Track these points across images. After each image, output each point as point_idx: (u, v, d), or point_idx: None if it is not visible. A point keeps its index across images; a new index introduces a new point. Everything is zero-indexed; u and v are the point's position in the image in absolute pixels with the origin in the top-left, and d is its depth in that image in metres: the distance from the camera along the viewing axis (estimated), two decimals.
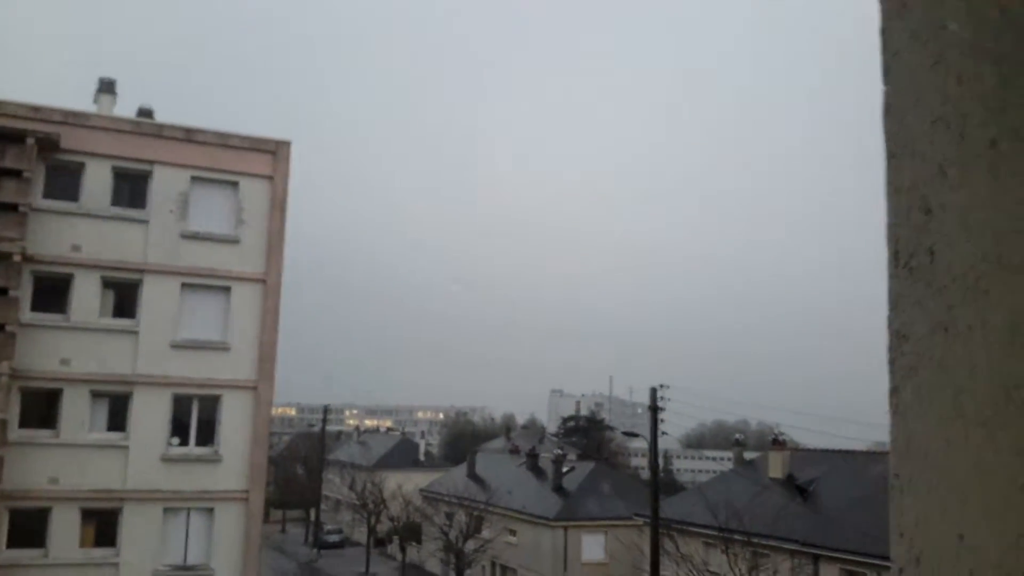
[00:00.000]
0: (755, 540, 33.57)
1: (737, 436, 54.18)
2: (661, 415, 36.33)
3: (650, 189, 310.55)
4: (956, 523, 1.21)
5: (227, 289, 27.86)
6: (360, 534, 75.13)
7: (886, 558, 1.33)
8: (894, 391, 1.37)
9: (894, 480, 1.34)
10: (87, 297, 26.37)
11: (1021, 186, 1.16)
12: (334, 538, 78.55)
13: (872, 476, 34.93)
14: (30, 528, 25.10)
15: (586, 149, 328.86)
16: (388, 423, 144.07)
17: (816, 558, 34.76)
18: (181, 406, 27.12)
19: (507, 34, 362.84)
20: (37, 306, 26.02)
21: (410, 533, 64.40)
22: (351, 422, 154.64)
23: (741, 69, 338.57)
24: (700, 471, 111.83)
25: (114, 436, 26.35)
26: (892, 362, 1.38)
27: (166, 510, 26.47)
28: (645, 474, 66.80)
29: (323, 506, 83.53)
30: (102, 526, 26.00)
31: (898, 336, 1.36)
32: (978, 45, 1.25)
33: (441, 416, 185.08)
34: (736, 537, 33.53)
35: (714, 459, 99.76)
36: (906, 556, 1.29)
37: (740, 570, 32.88)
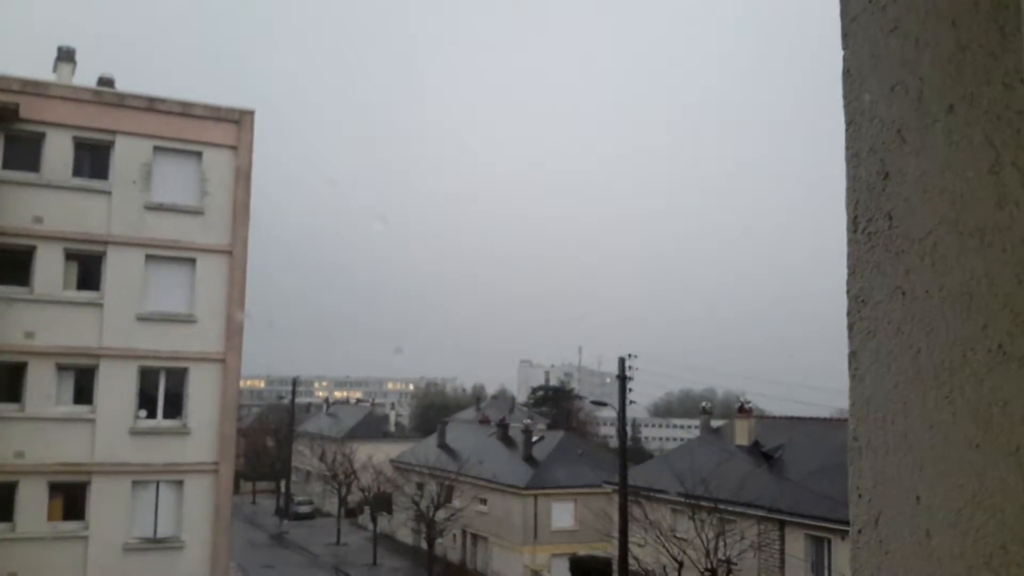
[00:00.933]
0: (721, 506, 34.03)
1: (704, 404, 54.63)
2: (629, 384, 36.60)
3: (615, 159, 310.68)
4: (913, 484, 1.22)
5: (192, 261, 27.60)
6: (331, 505, 75.33)
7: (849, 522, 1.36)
8: (853, 355, 1.38)
9: (853, 442, 1.35)
10: (50, 269, 26.02)
11: (977, 151, 1.17)
12: (304, 509, 78.76)
13: (836, 442, 35.45)
14: None
15: (552, 116, 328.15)
16: (358, 394, 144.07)
17: (782, 524, 35.34)
18: (148, 379, 26.93)
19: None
20: None
21: (381, 503, 64.61)
22: (321, 394, 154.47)
23: (711, 35, 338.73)
24: (668, 439, 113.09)
25: (81, 409, 26.13)
26: (851, 326, 1.38)
27: (135, 483, 26.35)
28: (614, 443, 67.35)
29: (293, 478, 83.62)
30: (70, 500, 25.84)
31: (857, 300, 1.37)
32: (935, 9, 1.25)
33: (411, 387, 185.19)
34: (703, 504, 33.97)
35: (681, 427, 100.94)
36: (865, 517, 1.31)
37: (707, 536, 33.34)
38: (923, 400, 1.22)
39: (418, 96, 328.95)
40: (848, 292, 1.40)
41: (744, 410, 44.03)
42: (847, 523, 1.37)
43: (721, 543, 33.51)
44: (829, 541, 32.99)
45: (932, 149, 1.24)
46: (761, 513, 35.48)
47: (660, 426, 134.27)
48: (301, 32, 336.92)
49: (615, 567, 38.46)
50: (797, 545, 34.65)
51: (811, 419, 42.77)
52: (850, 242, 1.40)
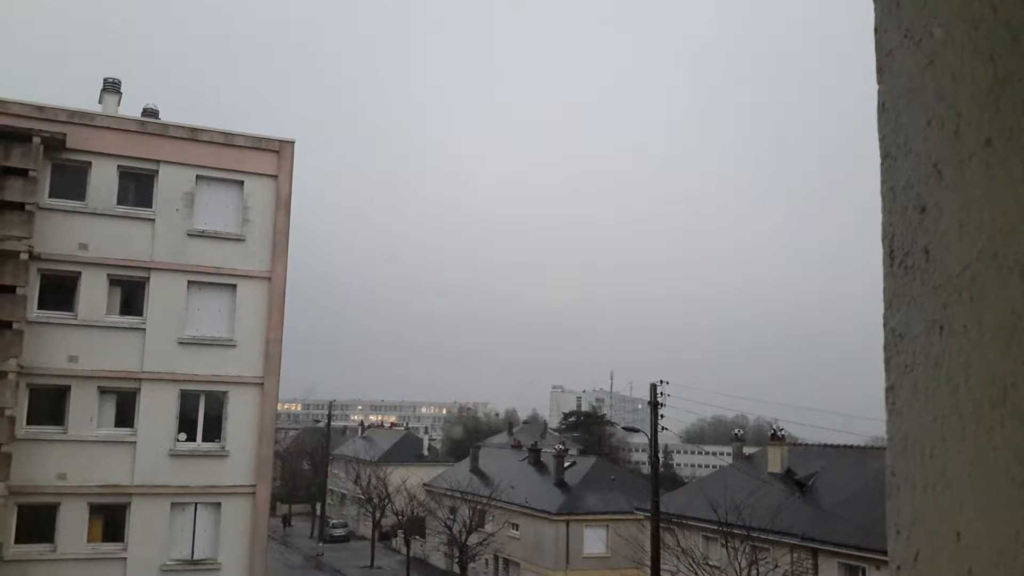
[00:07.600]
0: (755, 534, 33.83)
1: (736, 431, 54.38)
2: (661, 410, 36.55)
3: (644, 186, 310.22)
4: (953, 521, 1.20)
5: (233, 287, 28.13)
6: (365, 528, 75.61)
7: (885, 552, 1.44)
8: (891, 389, 1.36)
9: (891, 478, 1.34)
10: (94, 295, 26.62)
11: (1016, 185, 1.16)
12: (339, 532, 79.03)
13: (870, 471, 35.20)
14: (39, 523, 25.36)
15: (581, 147, 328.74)
16: (392, 419, 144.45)
17: (815, 552, 35.05)
18: (188, 402, 27.40)
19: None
20: (45, 304, 26.25)
21: (414, 527, 64.76)
22: (356, 418, 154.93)
23: (736, 52, 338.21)
24: (700, 466, 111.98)
25: (122, 432, 26.62)
26: (888, 360, 1.37)
27: (173, 505, 26.75)
28: (646, 469, 67.02)
29: (329, 500, 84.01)
30: (110, 521, 26.27)
31: (894, 334, 1.36)
32: (972, 43, 1.24)
33: (445, 412, 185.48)
34: (736, 531, 33.80)
35: (714, 454, 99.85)
36: (903, 554, 1.30)
37: (740, 564, 33.16)
38: (962, 436, 1.19)
39: (447, 121, 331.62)
40: (885, 326, 1.39)
41: (777, 437, 43.77)
42: (882, 552, 1.44)
43: (754, 571, 33.32)
44: (863, 570, 32.67)
45: (970, 183, 1.22)
46: (794, 541, 35.21)
47: (692, 453, 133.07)
48: (321, 55, 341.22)
49: None
50: (831, 574, 34.34)
51: (845, 447, 42.42)
52: (886, 276, 1.39)
